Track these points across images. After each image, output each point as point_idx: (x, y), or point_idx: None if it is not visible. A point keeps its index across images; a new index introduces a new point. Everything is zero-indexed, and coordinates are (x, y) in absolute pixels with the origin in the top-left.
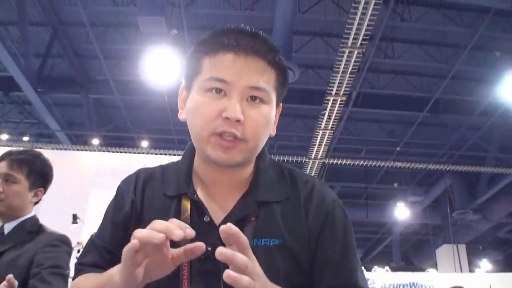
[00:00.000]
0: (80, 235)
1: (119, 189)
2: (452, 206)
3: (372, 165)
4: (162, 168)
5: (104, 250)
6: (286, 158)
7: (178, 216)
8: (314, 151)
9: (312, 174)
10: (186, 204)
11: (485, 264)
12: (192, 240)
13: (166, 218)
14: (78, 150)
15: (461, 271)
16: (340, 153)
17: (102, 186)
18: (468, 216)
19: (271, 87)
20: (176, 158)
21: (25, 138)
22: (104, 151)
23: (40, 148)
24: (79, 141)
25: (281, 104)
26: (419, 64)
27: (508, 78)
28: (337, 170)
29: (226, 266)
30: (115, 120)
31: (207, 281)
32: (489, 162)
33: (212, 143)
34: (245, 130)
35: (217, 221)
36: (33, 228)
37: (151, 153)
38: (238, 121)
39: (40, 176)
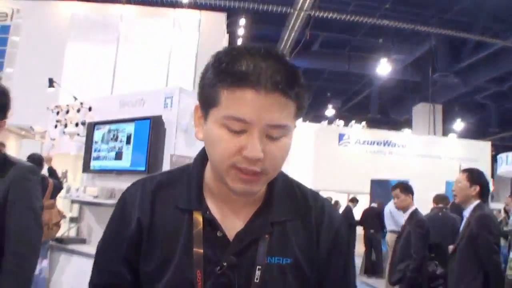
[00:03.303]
0: (57, 99)
1: (122, 203)
2: (434, 67)
3: (359, 21)
4: (170, 177)
5: (108, 271)
6: (270, 8)
7: (190, 229)
8: (300, 1)
9: (296, 27)
10: (198, 218)
11: (459, 124)
12: (205, 254)
13: (178, 231)
14: None
15: (435, 133)
16: (327, 4)
17: (78, 39)
18: (449, 79)
19: (291, 119)
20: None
21: None
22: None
23: None
24: None
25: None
26: None
27: None
28: (322, 20)
29: (240, 281)
30: None
31: None
32: (476, 30)
33: (232, 175)
34: (265, 165)
35: (230, 235)
36: (3, 161)
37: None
38: (258, 159)
39: (2, 109)
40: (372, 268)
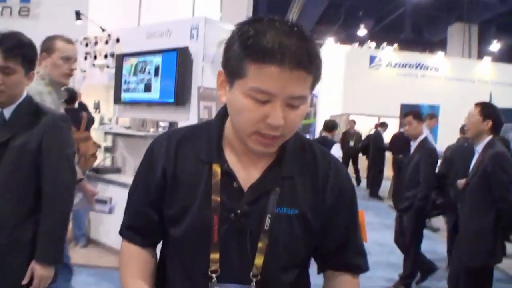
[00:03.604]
0: (86, 31)
1: (150, 152)
2: None
3: None
4: (193, 130)
5: (139, 212)
6: None
7: (209, 179)
8: None
9: None
10: (217, 169)
11: (495, 46)
12: (222, 202)
13: (199, 180)
14: None
15: (470, 56)
16: None
17: None
18: None
19: (309, 90)
20: None
21: None
22: None
23: None
24: None
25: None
26: None
27: None
28: None
29: (252, 227)
30: None
31: (235, 239)
32: None
33: (253, 139)
34: (285, 130)
35: (244, 187)
36: (31, 108)
37: None
38: (279, 126)
39: (32, 61)
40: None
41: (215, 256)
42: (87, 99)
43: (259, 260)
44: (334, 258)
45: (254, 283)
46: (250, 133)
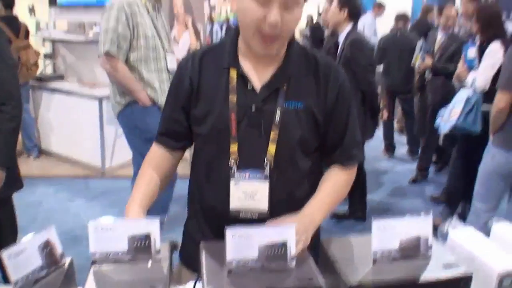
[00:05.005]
0: None
1: (179, 67)
2: None
3: None
4: (213, 45)
5: (171, 118)
6: None
7: (228, 83)
8: None
9: None
10: (233, 75)
11: None
12: (238, 102)
13: (219, 85)
14: None
15: None
16: None
17: None
18: None
19: None
20: None
21: None
22: None
23: None
24: None
25: None
26: None
27: None
28: None
29: (265, 121)
30: None
31: (251, 132)
32: None
33: (256, 38)
34: (282, 30)
35: (257, 88)
36: None
37: None
38: (277, 25)
39: None
40: None
41: (234, 147)
42: (21, 3)
43: (271, 148)
44: (334, 151)
45: (268, 168)
46: (254, 32)
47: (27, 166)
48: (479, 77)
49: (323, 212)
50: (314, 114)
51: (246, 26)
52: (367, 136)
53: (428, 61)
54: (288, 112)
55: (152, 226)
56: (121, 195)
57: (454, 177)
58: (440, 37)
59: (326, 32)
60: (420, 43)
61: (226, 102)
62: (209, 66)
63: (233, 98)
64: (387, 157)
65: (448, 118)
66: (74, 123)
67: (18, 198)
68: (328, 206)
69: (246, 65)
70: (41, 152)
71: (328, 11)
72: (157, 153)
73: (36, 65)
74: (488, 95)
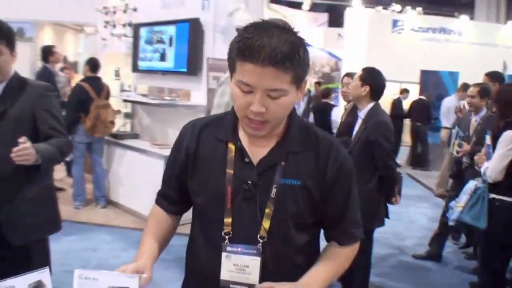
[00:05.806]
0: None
1: (179, 135)
2: None
3: None
4: (215, 118)
5: (169, 183)
6: None
7: (225, 155)
8: None
9: None
10: (232, 147)
11: None
12: (234, 175)
13: (216, 157)
14: None
15: (497, 20)
16: None
17: None
18: None
19: (287, 84)
20: None
21: None
22: None
23: None
24: None
25: (305, 80)
26: None
27: None
28: None
29: (261, 196)
30: None
31: (246, 206)
32: None
33: (245, 122)
34: (268, 116)
35: (255, 161)
36: (21, 83)
37: None
38: (261, 113)
39: (12, 40)
40: (417, 160)
41: (228, 220)
42: (108, 66)
43: (266, 224)
44: (333, 228)
45: (261, 244)
46: (242, 117)
47: (92, 214)
48: (491, 167)
49: (320, 283)
50: (311, 192)
51: (236, 109)
52: (378, 223)
53: (467, 146)
54: (284, 188)
55: (130, 281)
56: (171, 250)
57: None
58: (473, 120)
59: (344, 105)
60: (455, 130)
61: (223, 174)
62: (208, 137)
63: (230, 170)
64: None
65: (455, 208)
66: (140, 178)
67: (75, 243)
68: (327, 278)
69: (245, 139)
70: (109, 203)
71: (349, 84)
72: (158, 210)
73: (113, 122)
74: (498, 186)
